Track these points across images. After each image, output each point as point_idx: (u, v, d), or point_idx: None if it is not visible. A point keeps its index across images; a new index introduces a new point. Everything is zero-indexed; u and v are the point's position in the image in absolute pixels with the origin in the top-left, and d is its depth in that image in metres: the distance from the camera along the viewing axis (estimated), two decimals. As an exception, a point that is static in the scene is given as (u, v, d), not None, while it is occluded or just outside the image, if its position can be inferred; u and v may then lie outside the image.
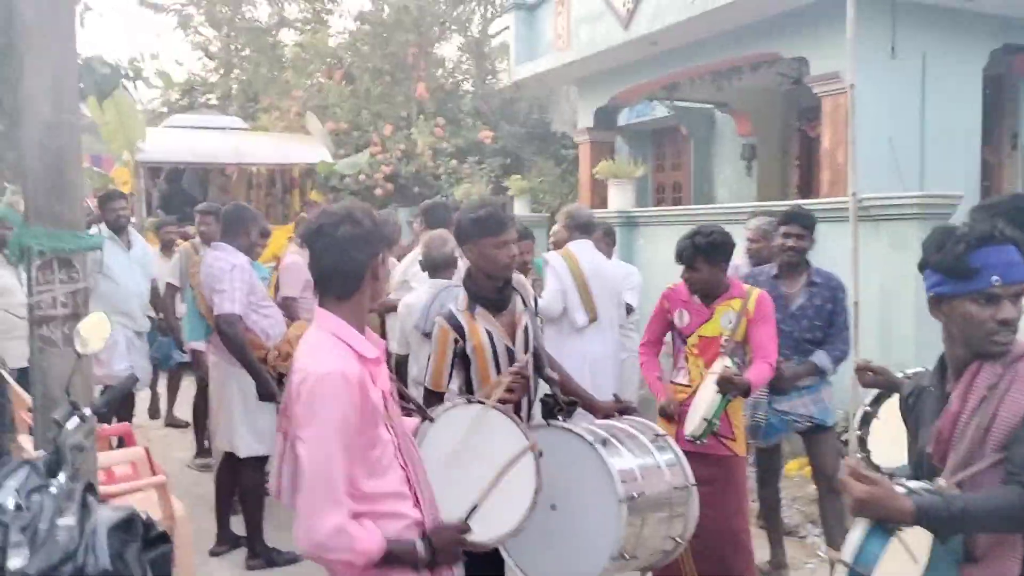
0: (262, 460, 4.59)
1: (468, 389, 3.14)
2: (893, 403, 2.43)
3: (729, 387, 3.53)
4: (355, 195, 14.46)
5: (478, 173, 14.10)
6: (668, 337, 4.08)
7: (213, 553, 4.73)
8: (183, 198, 12.98)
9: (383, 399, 2.17)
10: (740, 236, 6.08)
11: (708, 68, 9.55)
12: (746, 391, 3.62)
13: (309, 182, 13.60)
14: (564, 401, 3.22)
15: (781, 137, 11.87)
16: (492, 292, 3.16)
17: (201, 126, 13.59)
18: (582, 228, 5.27)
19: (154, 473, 4.25)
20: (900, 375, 2.80)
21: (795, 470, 6.30)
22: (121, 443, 4.64)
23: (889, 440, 2.41)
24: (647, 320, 4.15)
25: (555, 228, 5.49)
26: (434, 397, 3.12)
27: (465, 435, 2.42)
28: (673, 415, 3.79)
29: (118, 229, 6.00)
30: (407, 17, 15.58)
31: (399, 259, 7.43)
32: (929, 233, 2.02)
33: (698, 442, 3.56)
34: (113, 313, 5.22)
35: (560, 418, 3.07)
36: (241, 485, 4.69)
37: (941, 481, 1.85)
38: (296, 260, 5.95)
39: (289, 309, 6.01)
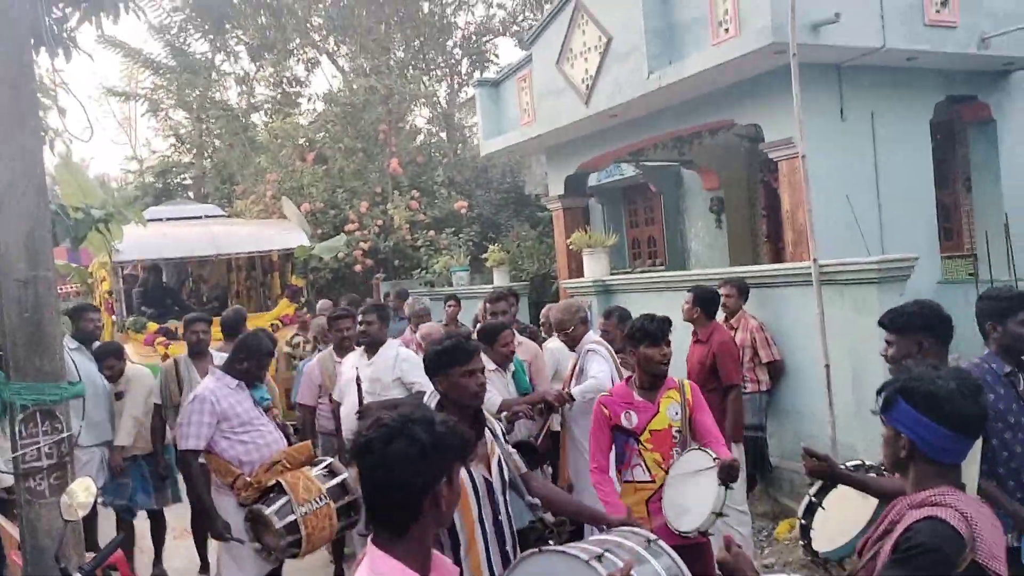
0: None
1: (452, 536, 3.06)
2: (841, 492, 2.54)
3: (733, 475, 3.62)
4: (335, 272, 14.62)
5: (456, 244, 14.28)
6: None
7: None
8: (163, 292, 13.06)
9: None
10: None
11: (669, 135, 9.82)
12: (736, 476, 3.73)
13: (289, 265, 13.73)
14: (551, 524, 3.27)
15: (747, 189, 12.16)
16: (466, 424, 3.08)
17: (178, 217, 13.64)
18: (589, 321, 5.61)
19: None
20: (843, 466, 2.93)
21: (785, 532, 6.38)
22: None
23: (833, 526, 2.50)
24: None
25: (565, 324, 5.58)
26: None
27: None
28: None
29: (88, 340, 6.10)
30: (375, 96, 15.90)
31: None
32: (945, 385, 2.06)
33: (704, 534, 3.63)
34: (85, 428, 5.25)
35: (551, 542, 3.12)
36: None
37: None
38: (310, 365, 5.97)
39: (304, 415, 6.06)
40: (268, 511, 4.15)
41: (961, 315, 7.49)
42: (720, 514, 3.58)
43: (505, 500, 3.19)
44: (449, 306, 9.16)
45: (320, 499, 4.20)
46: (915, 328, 3.19)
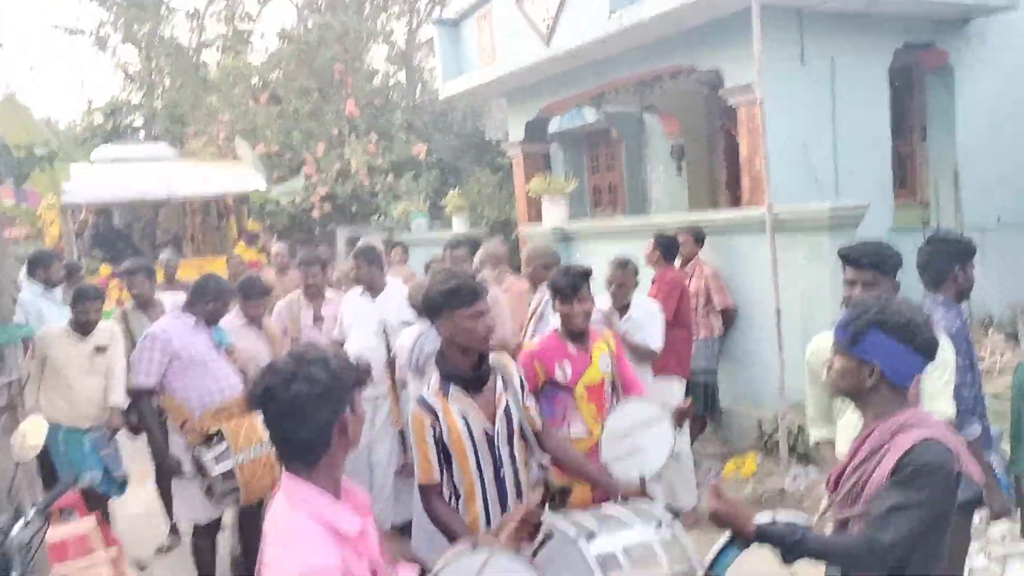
0: (212, 525, 4.65)
1: (452, 485, 2.99)
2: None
3: (686, 418, 3.72)
4: (292, 219, 14.43)
5: (415, 189, 14.14)
6: None
7: None
8: (115, 235, 12.80)
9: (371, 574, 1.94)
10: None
11: (631, 79, 9.74)
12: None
13: (245, 208, 13.49)
14: (555, 489, 3.15)
15: (707, 136, 12.15)
16: (468, 369, 2.98)
17: (128, 158, 13.30)
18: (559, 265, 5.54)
19: (108, 543, 4.28)
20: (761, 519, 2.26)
21: (732, 470, 6.53)
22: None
23: None
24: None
25: (527, 268, 5.71)
26: (432, 491, 2.96)
27: None
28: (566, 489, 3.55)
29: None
30: (330, 33, 15.52)
31: (339, 285, 7.48)
32: (916, 316, 2.15)
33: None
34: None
35: (552, 507, 2.99)
36: (193, 550, 4.74)
37: (815, 517, 2.19)
38: (278, 307, 5.91)
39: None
40: (207, 457, 4.14)
41: (909, 260, 7.68)
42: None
43: (511, 451, 3.04)
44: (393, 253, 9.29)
45: (260, 447, 4.12)
46: (896, 270, 3.19)
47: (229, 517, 5.04)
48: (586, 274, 3.80)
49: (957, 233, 3.78)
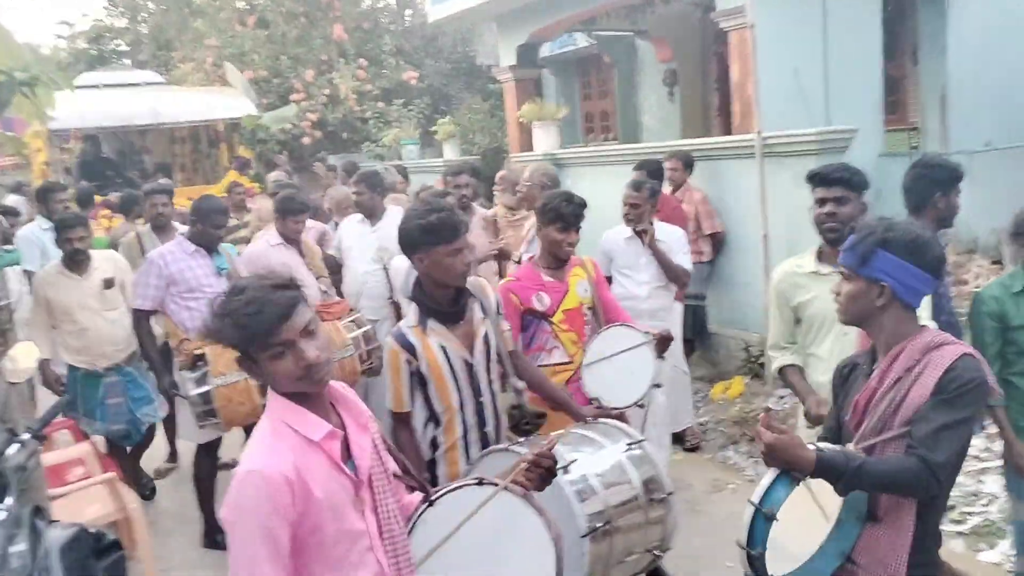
0: (211, 445, 4.80)
1: (428, 409, 3.00)
2: (799, 495, 2.05)
3: (667, 347, 3.70)
4: (282, 145, 14.32)
5: (405, 116, 14.01)
6: None
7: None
8: (103, 164, 12.71)
9: (352, 485, 1.92)
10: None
11: (622, 2, 9.61)
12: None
13: (236, 136, 13.37)
14: (531, 413, 3.18)
15: (700, 62, 12.01)
16: (446, 303, 2.96)
17: (114, 84, 13.12)
18: (557, 187, 5.49)
19: (104, 468, 4.41)
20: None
21: (720, 392, 6.71)
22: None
23: (792, 537, 2.05)
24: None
25: (524, 184, 5.68)
26: (401, 419, 3.00)
27: (473, 522, 1.98)
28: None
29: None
30: (318, -46, 15.17)
31: (334, 214, 7.47)
32: (923, 234, 2.16)
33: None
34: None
35: (528, 431, 3.04)
36: (194, 469, 4.89)
37: (850, 446, 2.09)
38: (254, 250, 5.51)
39: None
40: (187, 378, 4.22)
41: (899, 186, 7.69)
42: (657, 385, 3.64)
43: (489, 378, 3.07)
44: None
45: (237, 373, 4.05)
46: (861, 185, 3.16)
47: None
48: (585, 204, 3.78)
49: (944, 159, 3.74)
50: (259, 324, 1.78)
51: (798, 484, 2.02)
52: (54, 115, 10.48)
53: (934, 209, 3.48)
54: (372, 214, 5.49)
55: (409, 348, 2.93)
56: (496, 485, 1.99)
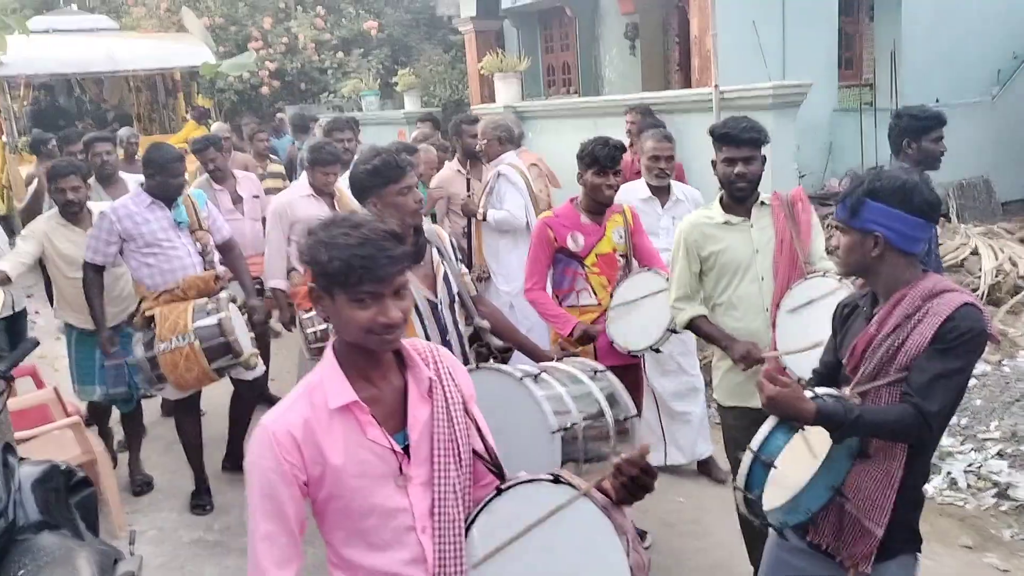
0: (190, 402, 4.57)
1: None
2: (799, 442, 2.11)
3: None
4: (240, 95, 14.11)
5: (365, 66, 13.86)
6: None
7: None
8: (57, 113, 12.45)
9: (394, 457, 1.77)
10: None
11: (584, -47, 9.58)
12: None
13: (194, 85, 13.14)
14: (498, 348, 3.20)
15: (661, 15, 12.05)
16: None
17: (66, 29, 12.76)
18: (513, 140, 5.52)
19: (67, 413, 4.45)
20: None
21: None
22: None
23: (785, 473, 2.09)
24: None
25: (481, 140, 5.61)
26: None
27: (540, 523, 1.73)
28: (593, 335, 3.72)
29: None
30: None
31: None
32: (910, 179, 2.15)
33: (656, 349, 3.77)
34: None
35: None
36: (177, 429, 4.71)
37: (846, 390, 2.14)
38: (281, 201, 5.06)
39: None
40: (136, 339, 4.14)
41: (853, 142, 7.89)
42: (673, 331, 3.67)
43: (454, 317, 3.13)
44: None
45: (182, 338, 3.99)
46: (765, 141, 3.16)
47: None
48: (623, 147, 3.79)
49: (917, 109, 3.94)
50: (363, 268, 1.66)
51: (795, 433, 2.06)
52: (5, 60, 10.32)
53: (907, 155, 3.75)
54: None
55: None
56: (575, 488, 1.71)
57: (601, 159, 3.67)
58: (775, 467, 2.04)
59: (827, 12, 8.41)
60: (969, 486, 4.29)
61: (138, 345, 4.09)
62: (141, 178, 5.30)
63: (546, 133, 8.78)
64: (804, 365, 2.90)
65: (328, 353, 1.80)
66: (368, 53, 14.33)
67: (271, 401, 5.90)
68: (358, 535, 1.77)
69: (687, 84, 11.15)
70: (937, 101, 8.89)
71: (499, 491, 1.80)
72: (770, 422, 2.10)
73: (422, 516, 1.77)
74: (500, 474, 1.89)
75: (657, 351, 3.85)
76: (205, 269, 4.44)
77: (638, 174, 6.50)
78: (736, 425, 3.24)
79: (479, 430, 1.89)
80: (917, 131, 3.80)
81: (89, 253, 4.36)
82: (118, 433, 5.26)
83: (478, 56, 11.06)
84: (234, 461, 4.90)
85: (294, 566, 1.75)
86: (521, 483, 1.79)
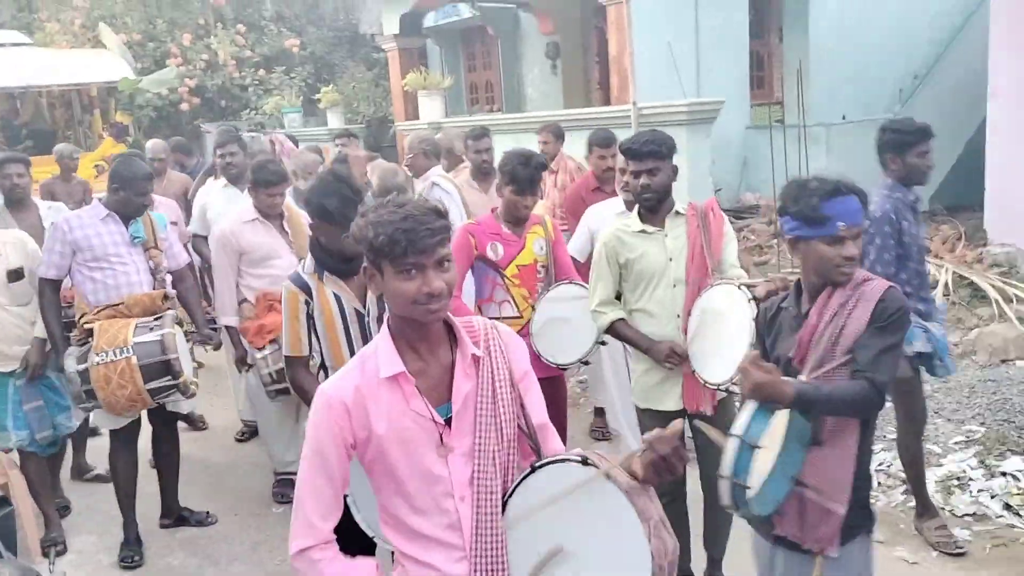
0: (128, 432, 4.26)
1: (321, 357, 3.10)
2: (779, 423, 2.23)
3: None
4: (159, 111, 13.87)
5: (287, 84, 13.78)
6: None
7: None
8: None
9: (436, 427, 1.85)
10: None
11: (504, -27, 9.77)
12: None
13: (112, 101, 12.83)
14: None
15: (581, 35, 12.32)
16: (340, 263, 3.08)
17: (-26, 43, 12.38)
18: (439, 155, 5.60)
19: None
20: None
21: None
22: None
23: (762, 466, 2.17)
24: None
25: (408, 154, 5.67)
26: (299, 363, 3.12)
27: (567, 504, 1.78)
28: None
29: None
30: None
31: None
32: (786, 186, 2.44)
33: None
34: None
35: None
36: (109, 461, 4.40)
37: (802, 377, 2.31)
38: (224, 229, 4.63)
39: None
40: (70, 353, 3.93)
41: (765, 157, 8.19)
42: (602, 343, 3.73)
43: (380, 329, 3.18)
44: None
45: (119, 352, 3.81)
46: (673, 153, 3.24)
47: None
48: (544, 165, 3.83)
49: (902, 122, 3.78)
50: (406, 238, 1.77)
51: (772, 415, 2.19)
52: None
53: (892, 170, 3.67)
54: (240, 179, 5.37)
55: (306, 290, 3.07)
56: (597, 467, 1.75)
57: (520, 179, 3.70)
58: (759, 447, 2.17)
59: (738, 33, 8.77)
60: (880, 484, 4.50)
61: (70, 358, 3.88)
62: (57, 204, 5.07)
63: (470, 149, 8.90)
64: (713, 370, 3.10)
65: (384, 327, 1.91)
66: (290, 70, 14.25)
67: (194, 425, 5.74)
68: (401, 496, 1.87)
69: (607, 101, 11.44)
70: (844, 118, 9.35)
71: (532, 468, 1.86)
72: (750, 407, 2.21)
73: (461, 485, 1.85)
74: (538, 451, 1.94)
75: (586, 363, 3.92)
76: (154, 289, 4.20)
77: (561, 187, 6.68)
78: (652, 427, 3.33)
79: (523, 407, 1.95)
80: (901, 145, 3.64)
81: (43, 268, 4.10)
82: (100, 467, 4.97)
83: (401, 73, 11.13)
84: (175, 516, 4.55)
85: (333, 519, 1.89)
86: (552, 462, 1.84)
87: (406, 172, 5.55)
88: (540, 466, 1.84)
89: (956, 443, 4.66)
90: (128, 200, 4.09)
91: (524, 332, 3.78)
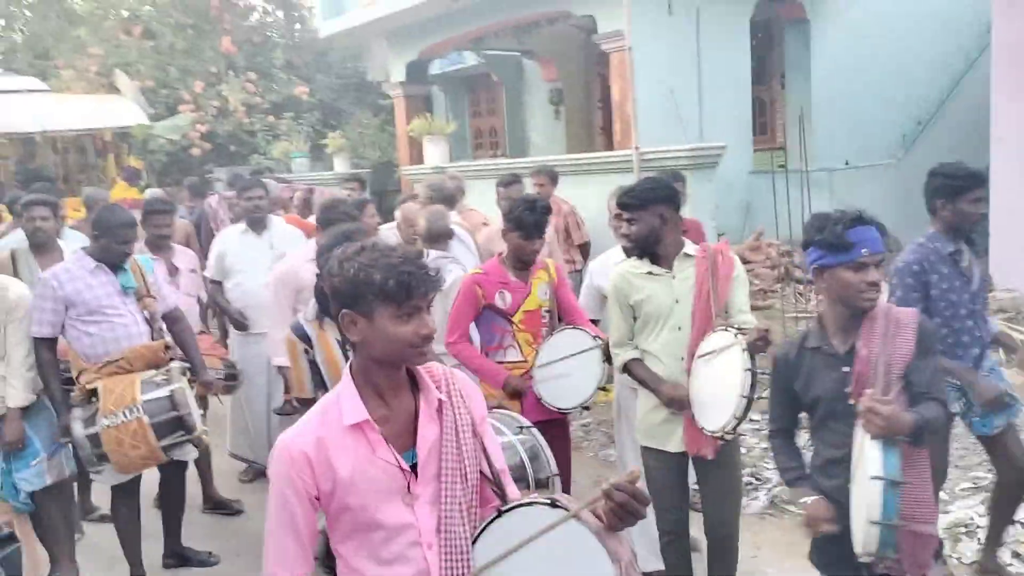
0: (128, 488, 4.20)
1: None
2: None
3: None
4: (171, 156, 14.05)
5: (295, 129, 13.98)
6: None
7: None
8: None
9: (401, 475, 1.82)
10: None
11: (509, 22, 9.96)
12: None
13: (125, 145, 13.00)
14: None
15: (584, 81, 12.49)
16: None
17: (-6, 90, 12.55)
18: (447, 201, 5.64)
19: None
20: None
21: (601, 397, 6.98)
22: None
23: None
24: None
25: (417, 201, 5.72)
26: (308, 405, 3.12)
27: (536, 547, 1.75)
28: (523, 390, 3.76)
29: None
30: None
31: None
32: (809, 220, 2.56)
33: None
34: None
35: None
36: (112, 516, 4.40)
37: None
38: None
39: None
40: (75, 416, 3.78)
41: (767, 201, 8.26)
42: (603, 388, 3.74)
43: None
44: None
45: (128, 413, 3.69)
46: (658, 201, 3.23)
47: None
48: (549, 210, 3.87)
49: (955, 166, 3.52)
50: (413, 281, 1.77)
51: (898, 448, 2.26)
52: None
53: (941, 216, 3.48)
54: (261, 224, 5.47)
55: (305, 339, 3.10)
56: (566, 509, 1.74)
57: (526, 225, 3.73)
58: (905, 483, 2.24)
59: (741, 79, 8.89)
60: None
61: (76, 422, 3.73)
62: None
63: (472, 193, 8.97)
64: (708, 416, 3.10)
65: (345, 373, 1.89)
66: (299, 116, 14.46)
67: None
68: (367, 548, 1.83)
69: (610, 146, 11.56)
70: (847, 163, 9.44)
71: (499, 512, 1.83)
72: (876, 444, 2.27)
73: (428, 533, 1.83)
74: (503, 495, 1.93)
75: (587, 408, 3.91)
76: (153, 339, 4.08)
77: (555, 229, 6.68)
78: (655, 466, 3.36)
79: (486, 453, 1.94)
80: (952, 191, 3.42)
81: (35, 327, 3.91)
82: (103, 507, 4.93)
83: (407, 119, 11.29)
84: (178, 556, 4.54)
85: (299, 573, 1.85)
86: (520, 505, 1.82)
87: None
88: (507, 510, 1.82)
89: (963, 490, 4.61)
90: (108, 247, 4.00)
91: (527, 375, 3.80)
